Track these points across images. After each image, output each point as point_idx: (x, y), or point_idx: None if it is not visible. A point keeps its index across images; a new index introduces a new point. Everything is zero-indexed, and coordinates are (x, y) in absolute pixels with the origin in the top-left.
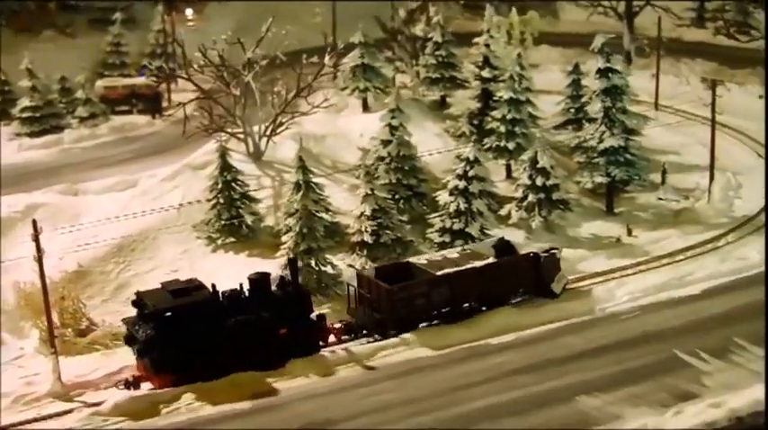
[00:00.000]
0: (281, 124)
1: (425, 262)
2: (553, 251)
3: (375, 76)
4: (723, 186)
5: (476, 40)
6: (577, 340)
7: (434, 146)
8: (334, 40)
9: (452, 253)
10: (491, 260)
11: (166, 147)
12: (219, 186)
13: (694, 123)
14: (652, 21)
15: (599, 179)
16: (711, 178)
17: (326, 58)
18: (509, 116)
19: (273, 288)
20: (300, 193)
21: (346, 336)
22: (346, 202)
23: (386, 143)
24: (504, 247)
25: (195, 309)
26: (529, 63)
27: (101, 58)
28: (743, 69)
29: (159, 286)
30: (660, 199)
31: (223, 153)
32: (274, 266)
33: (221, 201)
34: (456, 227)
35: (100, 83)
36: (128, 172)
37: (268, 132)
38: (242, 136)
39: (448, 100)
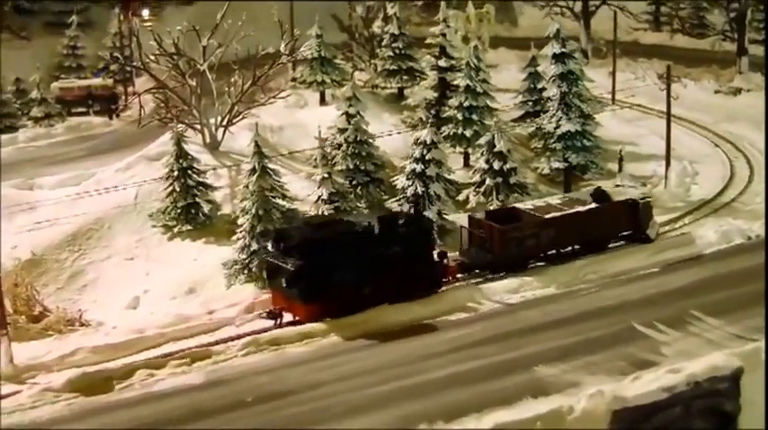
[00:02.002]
0: (238, 114)
1: (531, 206)
2: (648, 198)
3: (332, 70)
4: (679, 173)
5: (432, 29)
6: (536, 314)
7: (391, 137)
8: (292, 34)
9: (555, 199)
10: (593, 205)
11: (122, 144)
12: (175, 173)
13: (650, 116)
14: (609, 25)
15: (556, 164)
16: (668, 164)
17: (282, 46)
18: (466, 103)
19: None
20: (256, 175)
21: (460, 275)
22: (303, 190)
23: (342, 131)
24: (600, 196)
25: (339, 241)
26: (487, 64)
27: (57, 60)
28: (697, 68)
29: (299, 222)
30: (618, 185)
31: (179, 140)
32: (231, 252)
33: (177, 188)
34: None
35: (56, 84)
36: (83, 167)
37: (224, 123)
38: (198, 126)
39: (405, 92)
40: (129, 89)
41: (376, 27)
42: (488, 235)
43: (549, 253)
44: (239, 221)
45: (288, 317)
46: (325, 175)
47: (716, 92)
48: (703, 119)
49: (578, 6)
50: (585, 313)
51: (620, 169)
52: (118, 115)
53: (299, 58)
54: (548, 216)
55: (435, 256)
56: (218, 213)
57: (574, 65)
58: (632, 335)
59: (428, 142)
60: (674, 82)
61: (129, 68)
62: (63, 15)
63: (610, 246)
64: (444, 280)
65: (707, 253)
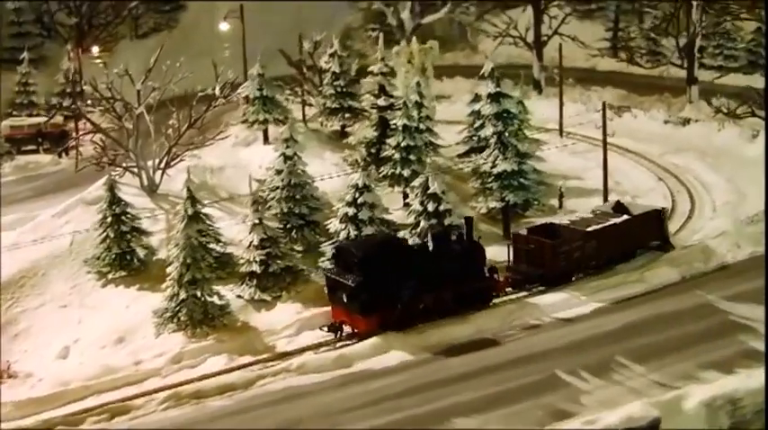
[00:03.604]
0: (176, 156)
1: (568, 221)
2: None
3: (275, 108)
4: None
5: (371, 68)
6: (457, 363)
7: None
8: (245, 71)
9: (584, 213)
10: (627, 216)
11: (69, 184)
12: (108, 220)
13: (598, 149)
14: (566, 52)
15: (493, 204)
16: (605, 201)
17: (217, 89)
18: (403, 143)
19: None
20: (183, 223)
21: (509, 289)
22: (240, 233)
23: (279, 172)
24: (620, 208)
25: (396, 258)
26: (438, 95)
27: (9, 98)
28: (650, 96)
29: (359, 239)
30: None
31: (111, 186)
32: (163, 299)
33: (111, 234)
34: None
35: (5, 122)
36: (27, 209)
37: (162, 165)
38: (136, 170)
39: (348, 129)
40: (81, 126)
41: (324, 62)
42: (538, 249)
43: (592, 263)
44: (168, 270)
45: (347, 329)
46: (256, 221)
47: (665, 122)
48: (651, 150)
49: (531, 36)
50: (510, 361)
51: (560, 205)
52: (67, 153)
53: (234, 100)
54: (590, 229)
55: (486, 271)
56: (154, 258)
57: (509, 104)
58: (555, 383)
59: (360, 185)
60: (624, 112)
61: (73, 108)
62: (15, 52)
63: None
64: (495, 294)
65: (639, 294)
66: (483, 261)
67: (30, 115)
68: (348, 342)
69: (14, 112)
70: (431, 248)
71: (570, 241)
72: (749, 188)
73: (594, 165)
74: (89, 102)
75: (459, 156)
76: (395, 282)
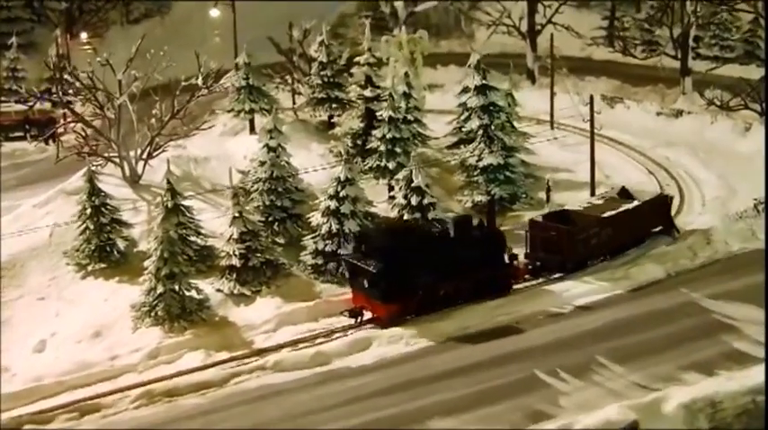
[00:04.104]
0: (159, 147)
1: (580, 208)
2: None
3: (261, 97)
4: None
5: (357, 59)
6: (438, 361)
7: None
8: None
9: (594, 200)
10: (639, 202)
11: (55, 173)
12: (88, 212)
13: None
14: (561, 41)
15: (479, 198)
16: (593, 195)
17: (200, 80)
18: (389, 135)
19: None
20: (161, 217)
21: (527, 276)
22: (222, 226)
23: (263, 164)
24: (625, 194)
25: (417, 244)
26: (430, 83)
27: None
28: (644, 87)
29: (381, 225)
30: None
31: (91, 178)
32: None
33: (90, 226)
34: (329, 248)
35: None
36: (13, 198)
37: (144, 156)
38: (117, 160)
39: (335, 120)
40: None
41: (313, 51)
42: (557, 237)
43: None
44: (145, 263)
45: (368, 315)
46: (236, 215)
47: (658, 114)
48: (642, 143)
49: (525, 26)
50: (491, 359)
51: (548, 199)
52: (54, 140)
53: (219, 90)
54: (606, 215)
55: (507, 259)
56: (135, 250)
57: (495, 96)
58: (534, 384)
59: (342, 179)
60: (617, 103)
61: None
62: (5, 37)
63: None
64: (514, 281)
65: (623, 292)
66: (503, 248)
67: (18, 102)
68: (369, 326)
69: (3, 99)
70: (452, 235)
71: (588, 228)
72: (740, 183)
73: (585, 158)
74: (70, 91)
75: (449, 147)
76: (416, 269)
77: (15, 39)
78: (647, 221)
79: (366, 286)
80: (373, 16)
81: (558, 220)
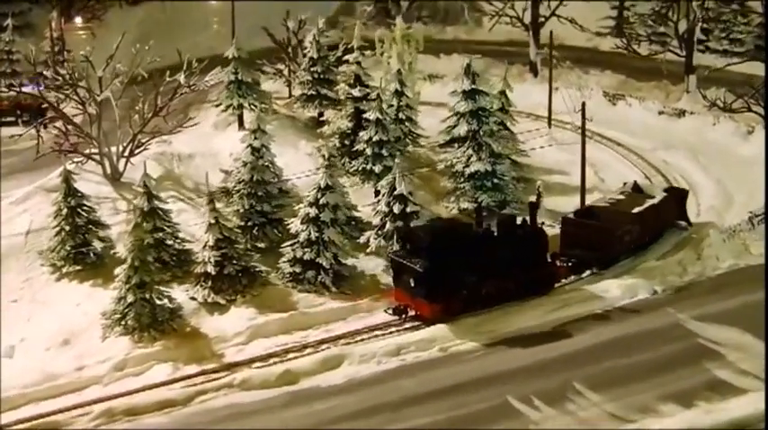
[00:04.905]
0: (141, 145)
1: (605, 204)
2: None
3: (250, 92)
4: None
5: (346, 57)
6: (411, 384)
7: (305, 167)
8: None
9: (614, 196)
10: (663, 196)
11: (43, 163)
12: (64, 212)
13: (589, 140)
14: (567, 30)
15: (465, 205)
16: (582, 203)
17: (182, 77)
18: (376, 138)
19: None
20: (133, 224)
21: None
22: (202, 229)
23: (246, 164)
24: (638, 189)
25: (462, 243)
26: (431, 74)
27: None
28: (649, 82)
29: (423, 224)
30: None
31: (67, 177)
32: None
33: (66, 228)
34: (307, 256)
35: None
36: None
37: (126, 153)
38: (98, 157)
39: (324, 117)
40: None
41: (308, 42)
42: (593, 233)
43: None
44: (116, 271)
45: (411, 312)
46: (212, 221)
47: (660, 113)
48: (642, 145)
49: (528, 17)
50: (464, 384)
51: (538, 205)
52: (45, 127)
53: (203, 88)
54: (636, 210)
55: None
56: (113, 252)
57: (485, 101)
58: (506, 411)
59: (323, 186)
60: (618, 100)
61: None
62: (2, 18)
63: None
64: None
65: (607, 311)
66: (546, 247)
67: (10, 86)
68: (414, 324)
69: None
70: (495, 234)
71: (624, 223)
72: (737, 191)
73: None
74: (49, 85)
75: (441, 145)
76: (461, 268)
77: (11, 20)
78: (668, 215)
79: (412, 284)
80: (375, 3)
81: (586, 217)
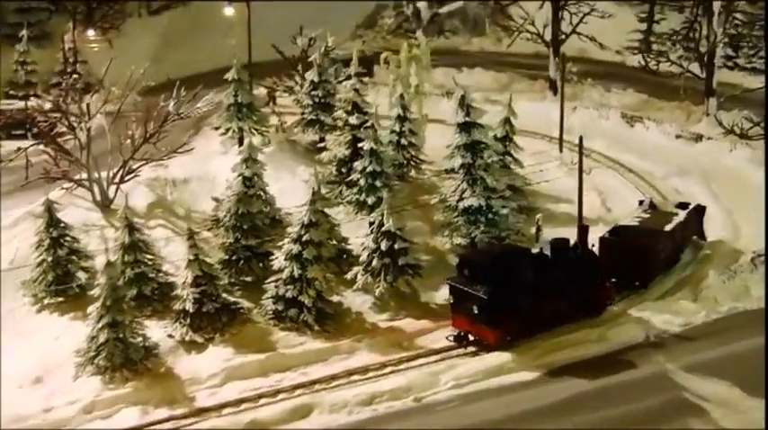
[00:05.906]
0: (131, 171)
1: (635, 223)
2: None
3: (250, 115)
4: None
5: (344, 83)
6: None
7: (301, 193)
8: (249, 58)
9: (642, 213)
10: (687, 212)
11: (40, 181)
12: (46, 244)
13: (601, 166)
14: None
15: (459, 240)
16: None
17: (171, 104)
18: (369, 168)
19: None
20: (106, 263)
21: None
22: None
23: (235, 195)
24: (653, 206)
25: (520, 267)
26: (449, 90)
27: (8, 76)
28: (671, 101)
29: (480, 249)
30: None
31: (49, 207)
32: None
33: (48, 259)
34: (289, 294)
35: None
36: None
37: (116, 179)
38: (87, 183)
39: (324, 143)
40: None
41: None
42: (635, 253)
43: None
44: (88, 310)
45: (471, 338)
46: (192, 258)
47: (677, 136)
48: (655, 171)
49: (549, 34)
50: None
51: (537, 238)
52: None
53: (193, 116)
54: (668, 228)
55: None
56: (96, 283)
57: (480, 134)
58: None
59: (306, 223)
60: (636, 122)
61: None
62: (21, 28)
63: None
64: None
65: (594, 357)
66: (599, 270)
67: (25, 96)
68: (477, 350)
69: (11, 92)
70: (549, 257)
71: (663, 241)
72: (746, 223)
73: (591, 185)
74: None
75: (447, 171)
76: (520, 292)
77: (26, 31)
78: (691, 231)
79: (475, 311)
80: (396, 17)
81: (618, 236)
